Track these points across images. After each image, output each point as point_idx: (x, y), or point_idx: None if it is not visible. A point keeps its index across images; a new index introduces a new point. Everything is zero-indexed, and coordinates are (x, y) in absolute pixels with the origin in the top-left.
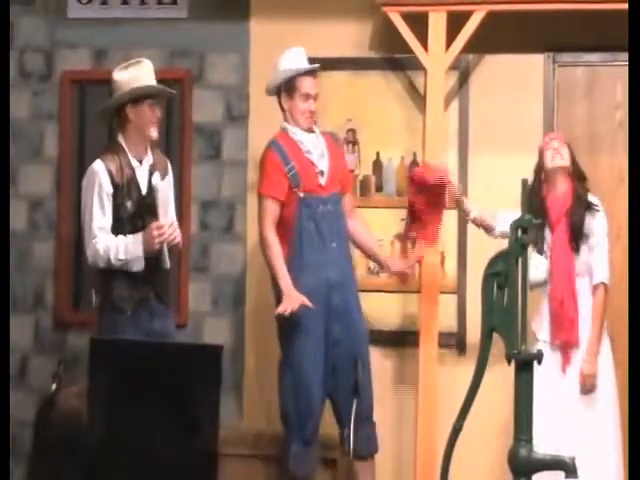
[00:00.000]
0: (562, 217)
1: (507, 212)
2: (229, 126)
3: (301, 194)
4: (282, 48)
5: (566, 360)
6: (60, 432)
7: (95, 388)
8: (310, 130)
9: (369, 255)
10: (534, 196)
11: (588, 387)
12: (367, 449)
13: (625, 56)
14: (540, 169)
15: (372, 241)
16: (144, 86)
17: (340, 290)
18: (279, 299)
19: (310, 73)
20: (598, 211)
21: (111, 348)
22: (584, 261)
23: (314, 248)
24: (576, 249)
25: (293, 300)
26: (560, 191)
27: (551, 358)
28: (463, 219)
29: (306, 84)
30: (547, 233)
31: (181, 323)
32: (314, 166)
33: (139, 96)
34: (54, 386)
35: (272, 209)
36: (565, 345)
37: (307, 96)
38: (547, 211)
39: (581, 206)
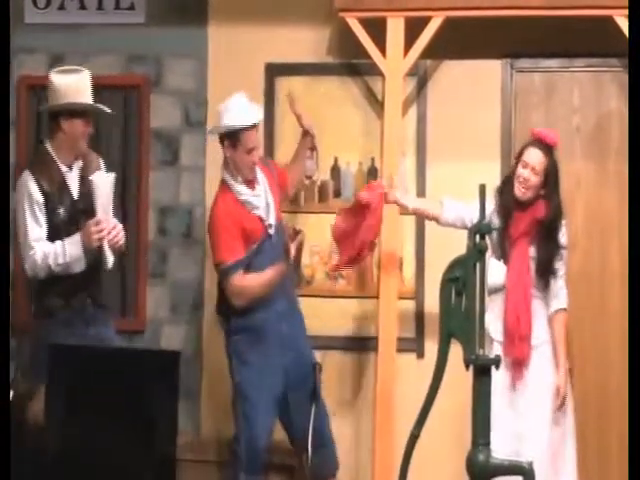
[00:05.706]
0: (523, 236)
1: (453, 201)
2: (187, 132)
3: (254, 245)
4: (240, 53)
5: (517, 377)
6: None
7: (53, 394)
8: (252, 182)
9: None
10: (505, 196)
11: (562, 402)
12: (328, 469)
13: (581, 62)
14: (512, 174)
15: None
16: (82, 103)
17: (288, 320)
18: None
19: (253, 127)
20: (564, 246)
21: (69, 354)
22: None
23: None
24: (544, 285)
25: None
26: (529, 210)
27: (500, 372)
28: (421, 226)
29: (249, 139)
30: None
31: (139, 329)
32: (263, 221)
33: (75, 111)
34: (12, 392)
35: (236, 272)
36: (516, 362)
37: (251, 150)
38: (511, 223)
39: (550, 241)
